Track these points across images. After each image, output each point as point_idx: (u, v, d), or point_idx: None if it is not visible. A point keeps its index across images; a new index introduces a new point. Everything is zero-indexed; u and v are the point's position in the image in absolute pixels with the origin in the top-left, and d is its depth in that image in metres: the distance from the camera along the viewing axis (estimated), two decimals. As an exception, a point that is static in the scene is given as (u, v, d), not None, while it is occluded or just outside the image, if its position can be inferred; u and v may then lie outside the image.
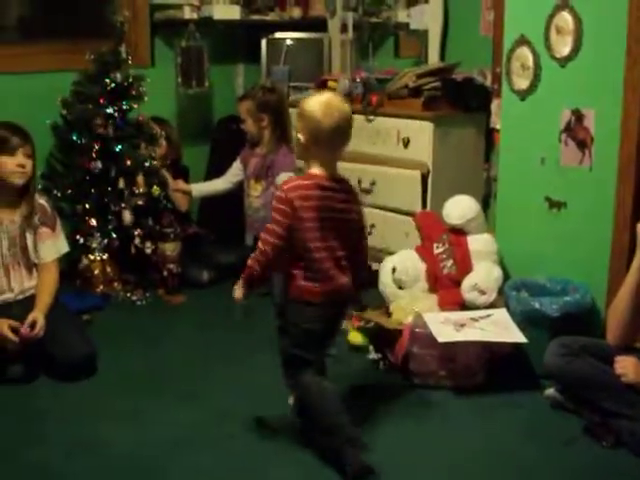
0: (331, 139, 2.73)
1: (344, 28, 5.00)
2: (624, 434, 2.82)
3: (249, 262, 2.77)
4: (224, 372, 3.51)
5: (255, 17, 5.15)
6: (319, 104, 2.72)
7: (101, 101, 4.37)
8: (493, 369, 3.34)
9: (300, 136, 2.74)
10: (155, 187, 4.46)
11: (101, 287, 4.37)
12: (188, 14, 4.90)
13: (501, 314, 3.45)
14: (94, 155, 4.33)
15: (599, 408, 2.91)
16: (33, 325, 3.37)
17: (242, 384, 3.40)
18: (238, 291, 2.81)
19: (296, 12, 5.23)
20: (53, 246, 3.65)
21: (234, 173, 4.61)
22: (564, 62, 3.57)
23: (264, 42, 5.17)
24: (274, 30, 5.17)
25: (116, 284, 4.42)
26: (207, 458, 2.82)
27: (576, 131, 3.56)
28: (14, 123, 3.56)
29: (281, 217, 2.71)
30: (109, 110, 4.36)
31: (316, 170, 2.77)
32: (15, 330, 3.35)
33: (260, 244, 2.74)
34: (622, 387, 2.85)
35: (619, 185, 3.44)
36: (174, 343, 3.82)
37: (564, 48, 3.56)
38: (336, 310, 2.87)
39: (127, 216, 4.37)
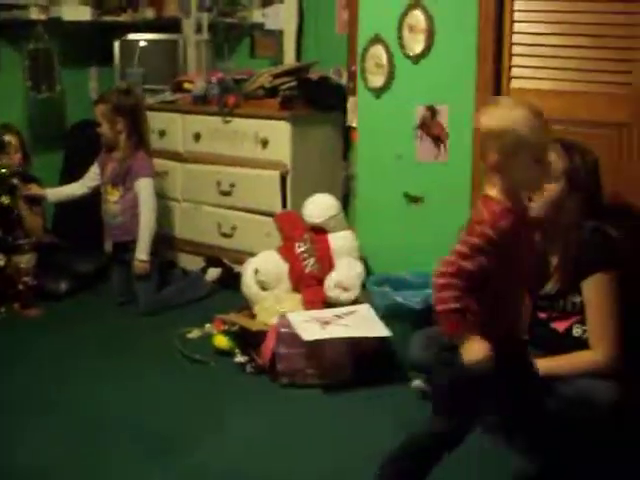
0: None
1: (199, 29, 4.94)
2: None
3: None
4: (83, 385, 3.38)
5: (107, 18, 5.02)
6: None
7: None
8: (360, 364, 3.34)
9: None
10: (4, 196, 4.26)
11: (-48, 302, 4.15)
12: (35, 14, 4.71)
13: (365, 310, 3.47)
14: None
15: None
16: None
17: (103, 396, 3.28)
18: None
19: (149, 13, 5.13)
20: None
21: (91, 177, 4.48)
22: (417, 60, 3.64)
23: (117, 44, 5.05)
24: (127, 31, 5.06)
25: (-32, 299, 4.20)
26: (73, 476, 2.71)
27: (431, 127, 3.63)
28: None
29: None
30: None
31: None
32: None
33: None
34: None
35: (474, 179, 3.53)
36: (31, 359, 3.65)
37: (417, 46, 3.63)
38: None
39: (-23, 227, 4.16)
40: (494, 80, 3.45)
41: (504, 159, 2.13)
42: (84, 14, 4.87)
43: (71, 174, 4.85)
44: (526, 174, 2.15)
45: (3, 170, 4.28)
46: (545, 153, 2.20)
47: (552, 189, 2.74)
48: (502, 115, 2.15)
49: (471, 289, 2.12)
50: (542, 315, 2.86)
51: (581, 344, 2.75)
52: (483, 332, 2.13)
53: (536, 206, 2.73)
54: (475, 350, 2.12)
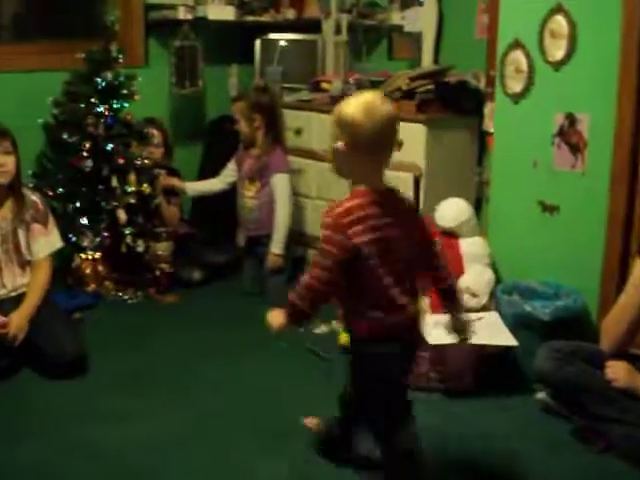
0: (374, 144, 2.33)
1: (338, 30, 5.00)
2: (615, 439, 2.81)
3: (291, 297, 2.38)
4: (215, 372, 3.50)
5: (249, 18, 5.15)
6: (358, 106, 2.31)
7: (92, 100, 4.32)
8: (483, 372, 3.33)
9: (339, 145, 2.33)
10: (145, 185, 4.42)
11: (93, 286, 4.34)
12: (183, 14, 4.89)
13: (492, 317, 3.45)
14: (85, 154, 4.30)
15: (590, 413, 2.90)
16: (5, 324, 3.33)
17: (233, 384, 3.39)
18: (277, 321, 2.43)
19: (290, 13, 5.23)
20: (46, 243, 3.64)
21: (228, 174, 4.61)
22: (558, 66, 3.57)
23: (258, 43, 5.17)
24: (268, 31, 5.18)
25: (108, 283, 4.39)
26: (198, 458, 2.81)
27: (569, 135, 3.56)
28: None
29: (332, 247, 2.30)
30: (100, 109, 4.32)
31: (363, 185, 2.38)
32: None
33: (307, 277, 2.35)
34: (613, 392, 2.83)
35: (612, 190, 3.44)
36: (165, 343, 3.80)
37: (558, 52, 3.56)
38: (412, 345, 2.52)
39: (122, 215, 4.32)
40: (638, 88, 3.35)
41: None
42: (228, 14, 5.02)
43: (209, 167, 5.00)
44: None
45: (146, 161, 4.46)
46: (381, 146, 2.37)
47: None
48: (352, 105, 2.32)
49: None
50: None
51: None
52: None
53: None
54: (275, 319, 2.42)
